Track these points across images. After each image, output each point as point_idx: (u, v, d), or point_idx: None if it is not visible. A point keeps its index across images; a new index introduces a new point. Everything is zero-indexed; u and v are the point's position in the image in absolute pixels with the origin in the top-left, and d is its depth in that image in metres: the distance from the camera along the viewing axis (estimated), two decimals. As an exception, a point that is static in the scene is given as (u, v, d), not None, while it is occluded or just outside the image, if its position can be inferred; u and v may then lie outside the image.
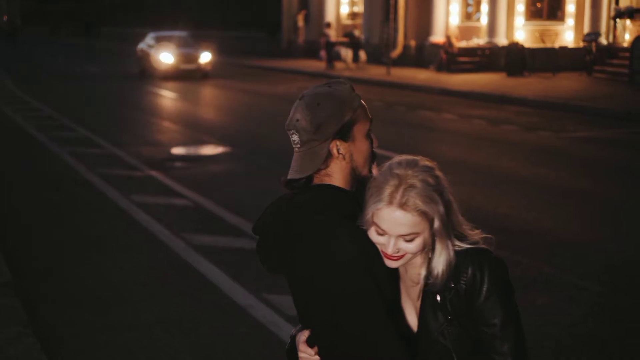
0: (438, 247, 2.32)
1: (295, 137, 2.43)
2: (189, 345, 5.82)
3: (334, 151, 2.40)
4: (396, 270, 2.41)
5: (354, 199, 2.42)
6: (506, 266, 2.34)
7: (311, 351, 2.42)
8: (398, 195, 2.25)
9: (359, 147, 2.43)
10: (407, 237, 2.28)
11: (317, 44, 38.23)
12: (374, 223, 2.30)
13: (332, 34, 32.82)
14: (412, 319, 2.43)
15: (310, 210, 2.37)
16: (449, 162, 12.24)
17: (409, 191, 2.26)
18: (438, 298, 2.34)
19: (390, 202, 2.26)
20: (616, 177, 11.56)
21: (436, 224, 2.29)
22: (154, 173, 11.80)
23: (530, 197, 10.18)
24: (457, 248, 2.32)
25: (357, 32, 32.55)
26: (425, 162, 2.33)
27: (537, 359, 5.59)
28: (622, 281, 7.09)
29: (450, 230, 2.32)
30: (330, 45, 32.08)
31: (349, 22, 37.98)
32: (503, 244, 7.97)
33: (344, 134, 2.40)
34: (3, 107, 20.10)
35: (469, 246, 2.33)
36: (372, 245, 2.32)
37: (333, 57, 31.71)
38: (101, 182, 11.22)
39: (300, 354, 2.45)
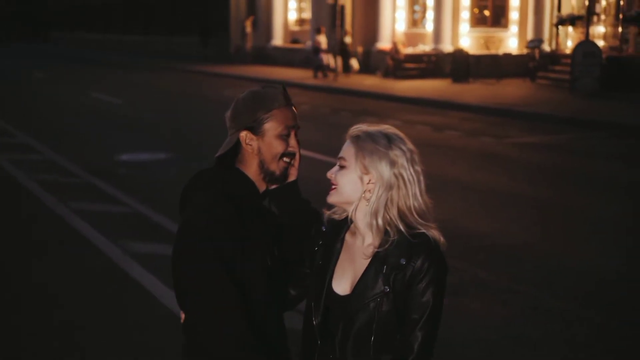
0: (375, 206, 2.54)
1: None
2: (120, 352, 5.76)
3: (242, 140, 2.70)
4: (252, 252, 2.61)
5: (248, 184, 2.71)
6: (448, 268, 2.58)
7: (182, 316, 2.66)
8: (355, 131, 2.59)
9: (268, 144, 2.69)
10: (340, 162, 2.59)
11: (265, 50, 38.26)
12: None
13: (323, 41, 29.51)
14: (344, 285, 2.60)
15: (198, 182, 2.75)
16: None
17: (363, 131, 2.58)
18: (384, 268, 2.52)
19: (349, 132, 2.62)
20: (556, 182, 11.73)
21: (373, 179, 2.53)
22: (94, 180, 11.67)
23: (471, 202, 10.27)
24: (411, 231, 2.53)
25: (348, 39, 30.01)
26: (406, 142, 2.58)
27: (468, 359, 5.64)
28: (556, 284, 7.18)
29: (399, 205, 2.53)
30: (317, 52, 29.45)
31: (296, 28, 38.04)
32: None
33: (254, 128, 2.68)
34: None
35: (426, 232, 2.55)
36: (221, 222, 2.57)
37: (319, 65, 29.18)
38: (38, 188, 11.06)
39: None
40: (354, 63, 29.87)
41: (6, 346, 5.91)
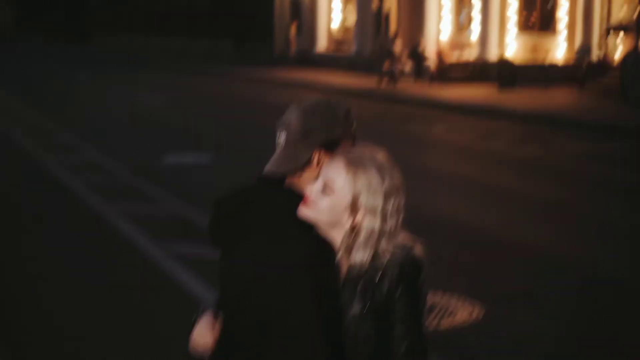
0: (362, 239, 2.40)
1: (282, 136, 2.49)
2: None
3: (314, 159, 2.45)
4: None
5: None
6: (423, 268, 2.42)
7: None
8: (348, 154, 2.40)
9: None
10: (327, 182, 2.38)
11: (309, 54, 38.26)
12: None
13: (399, 45, 28.00)
14: None
15: (265, 207, 2.48)
16: (437, 175, 12.18)
17: (357, 156, 2.40)
18: (358, 289, 2.40)
19: (342, 156, 2.41)
20: (602, 191, 11.50)
21: (362, 212, 2.38)
22: (138, 181, 11.69)
23: (516, 210, 10.10)
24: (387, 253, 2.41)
25: (421, 48, 28.77)
26: (396, 172, 2.43)
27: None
28: (603, 295, 7.01)
29: (384, 236, 2.40)
30: (388, 57, 27.69)
31: (340, 34, 37.99)
32: (486, 257, 7.92)
33: (330, 146, 2.45)
34: None
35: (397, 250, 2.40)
36: (319, 252, 2.40)
37: (390, 72, 27.40)
38: (83, 188, 11.10)
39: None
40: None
41: (45, 347, 5.90)
